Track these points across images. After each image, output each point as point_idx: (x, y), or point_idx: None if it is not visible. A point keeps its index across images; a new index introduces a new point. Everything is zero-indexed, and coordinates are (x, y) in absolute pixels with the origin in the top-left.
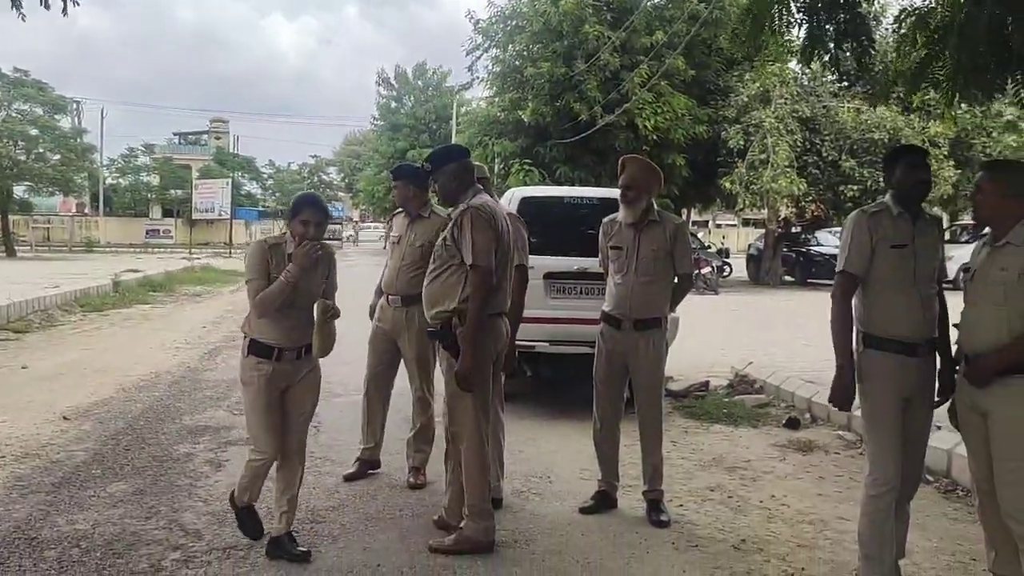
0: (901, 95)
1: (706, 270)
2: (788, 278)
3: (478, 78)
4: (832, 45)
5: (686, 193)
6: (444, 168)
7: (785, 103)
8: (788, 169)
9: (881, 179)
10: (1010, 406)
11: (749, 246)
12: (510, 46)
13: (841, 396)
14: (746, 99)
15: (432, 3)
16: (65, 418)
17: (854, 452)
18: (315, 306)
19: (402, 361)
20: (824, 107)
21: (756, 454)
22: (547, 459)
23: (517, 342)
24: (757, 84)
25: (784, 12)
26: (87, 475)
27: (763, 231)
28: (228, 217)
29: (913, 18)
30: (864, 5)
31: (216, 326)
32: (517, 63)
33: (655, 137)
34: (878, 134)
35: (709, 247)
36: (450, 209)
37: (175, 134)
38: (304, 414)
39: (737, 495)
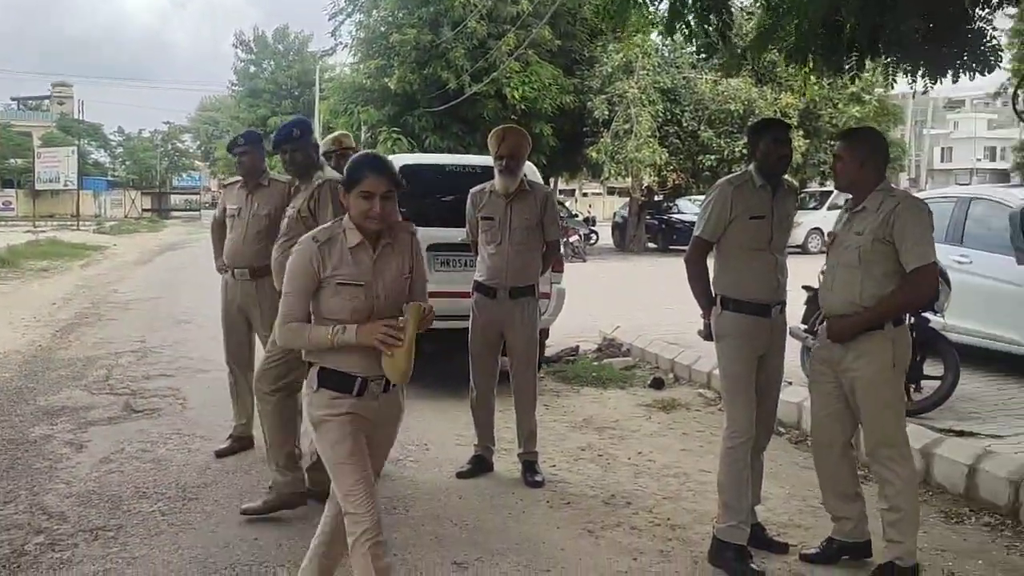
0: (755, 68)
1: (574, 238)
2: (651, 245)
3: (342, 44)
4: (693, 18)
5: (553, 162)
6: (309, 139)
7: (647, 74)
8: (651, 139)
9: (737, 149)
10: (862, 362)
11: (614, 214)
12: (375, 11)
13: (707, 334)
14: (610, 70)
15: None
16: None
17: (713, 409)
18: (404, 310)
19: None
20: (684, 78)
21: (624, 414)
22: (423, 428)
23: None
24: (620, 55)
25: None
26: None
27: (627, 200)
28: (75, 187)
29: None
30: None
31: (67, 303)
32: (382, 29)
33: (523, 107)
34: (734, 105)
35: (576, 216)
36: (287, 177)
37: (14, 99)
38: (381, 461)
39: (607, 453)
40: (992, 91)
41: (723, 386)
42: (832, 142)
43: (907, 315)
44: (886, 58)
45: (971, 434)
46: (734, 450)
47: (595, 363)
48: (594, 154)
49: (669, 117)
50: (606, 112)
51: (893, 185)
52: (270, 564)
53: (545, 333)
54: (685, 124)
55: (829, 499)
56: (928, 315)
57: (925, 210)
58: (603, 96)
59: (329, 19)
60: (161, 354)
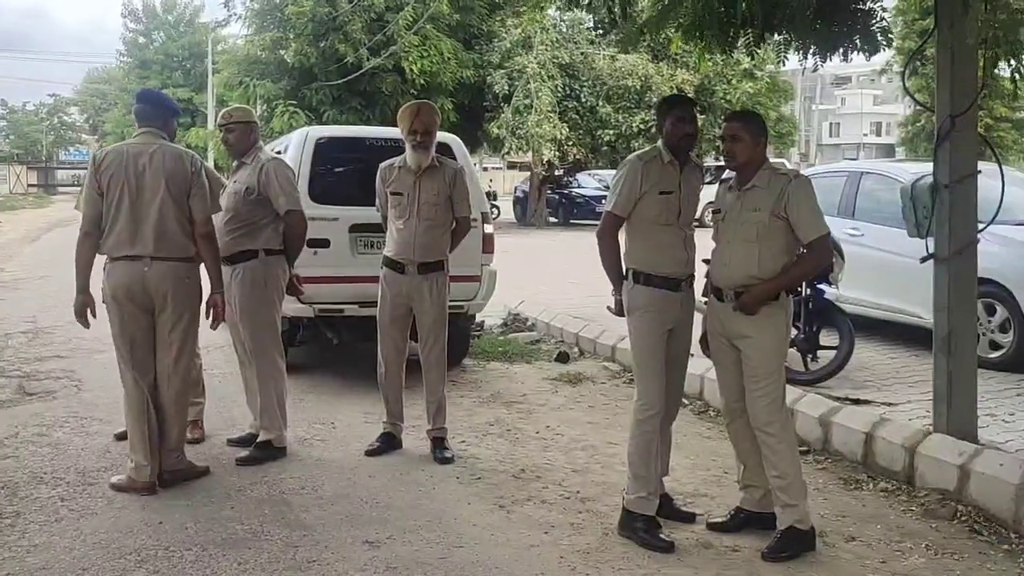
0: (651, 44)
1: None
2: (553, 219)
3: (235, 15)
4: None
5: (456, 135)
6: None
7: (546, 49)
8: (551, 114)
9: (634, 124)
10: (758, 330)
11: (515, 188)
12: None
13: (618, 310)
14: (509, 45)
15: None
16: None
17: (619, 381)
18: None
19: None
20: (582, 54)
21: (531, 388)
22: (329, 406)
23: (319, 305)
24: (519, 30)
25: None
26: None
27: (528, 174)
28: None
29: None
30: None
31: None
32: (277, 1)
33: (423, 81)
34: (631, 81)
35: None
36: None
37: None
38: None
39: (515, 428)
40: (878, 68)
41: (634, 360)
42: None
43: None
44: (780, 36)
45: (866, 402)
46: (644, 422)
47: (500, 338)
48: (495, 129)
49: (568, 92)
50: (506, 87)
51: (782, 161)
52: (176, 548)
53: (472, 319)
54: (584, 100)
55: (742, 469)
56: (823, 286)
57: (811, 186)
58: (503, 71)
59: None
60: (53, 335)
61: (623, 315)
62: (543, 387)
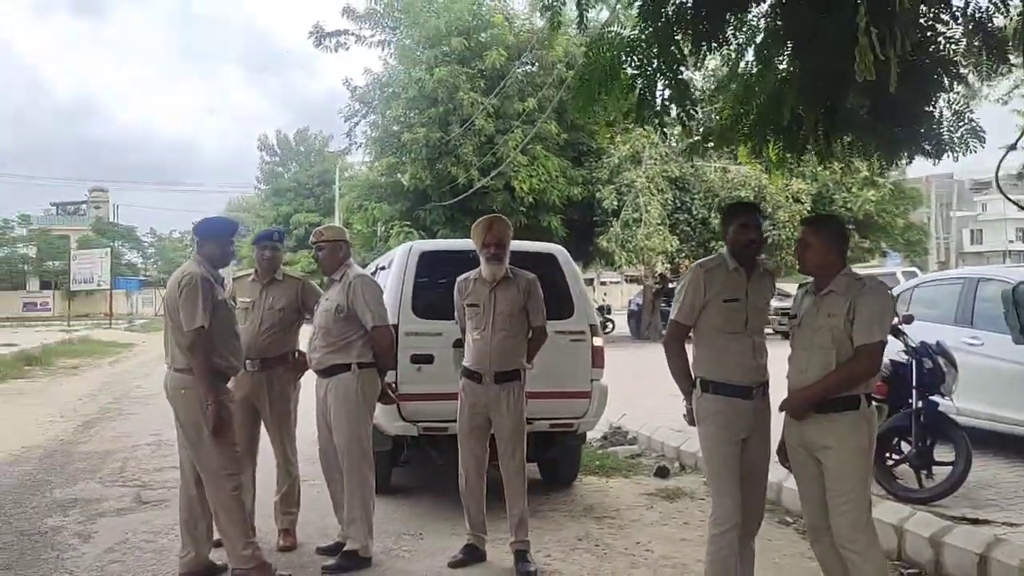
0: (719, 154)
1: None
2: None
3: (356, 143)
4: (659, 108)
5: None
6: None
7: (655, 163)
8: (660, 227)
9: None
10: (839, 440)
11: (629, 302)
12: (388, 112)
13: (690, 419)
14: (618, 160)
15: (312, 71)
16: None
17: None
18: None
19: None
20: (692, 167)
21: (626, 503)
22: (420, 518)
23: (423, 423)
24: (627, 146)
25: (613, 79)
26: None
27: (642, 288)
28: (108, 287)
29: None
30: (685, 73)
31: (92, 398)
32: (394, 128)
33: (531, 199)
34: (744, 191)
35: None
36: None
37: (53, 204)
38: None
39: (604, 543)
40: (1015, 172)
41: (707, 471)
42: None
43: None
44: (841, 139)
45: (985, 522)
46: (719, 536)
47: (599, 451)
48: (604, 243)
49: (679, 205)
50: (615, 202)
51: (896, 270)
52: None
53: (583, 436)
54: (695, 212)
55: None
56: (936, 398)
57: (885, 294)
58: (611, 186)
59: (344, 121)
60: (174, 446)
61: (695, 424)
62: (639, 502)
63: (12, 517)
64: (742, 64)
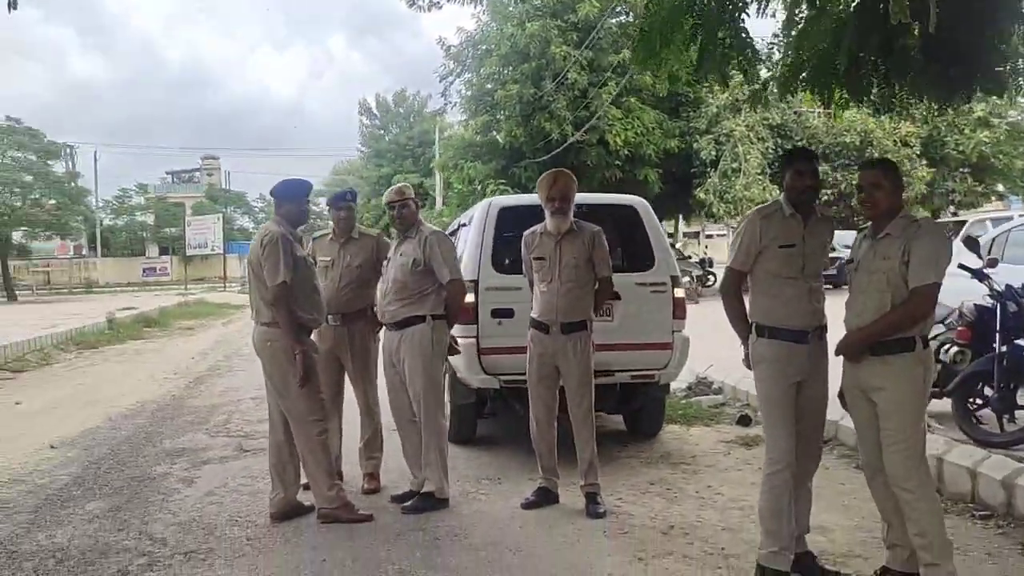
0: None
1: (685, 279)
2: None
3: (451, 103)
4: (720, 60)
5: (661, 205)
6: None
7: (755, 112)
8: (760, 176)
9: (854, 182)
10: (894, 382)
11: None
12: (481, 70)
13: (747, 363)
14: (716, 109)
15: (415, 30)
16: (52, 447)
17: None
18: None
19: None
20: (795, 113)
21: (703, 450)
22: (500, 463)
23: (505, 376)
24: (726, 95)
25: (674, 30)
26: (68, 496)
27: None
28: (221, 252)
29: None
30: (746, 21)
31: (204, 357)
32: (488, 86)
33: (627, 152)
34: (849, 137)
35: (690, 257)
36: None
37: (168, 173)
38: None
39: (676, 487)
40: None
41: (762, 413)
42: (957, 170)
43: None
44: (898, 82)
45: None
46: (772, 476)
47: (683, 401)
48: (702, 195)
49: (780, 153)
50: (713, 152)
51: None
52: None
53: (667, 388)
54: None
55: (886, 528)
56: (1021, 342)
57: (940, 236)
58: (709, 136)
59: (440, 81)
60: None
61: (752, 368)
62: (716, 449)
63: (125, 464)
64: (798, 10)
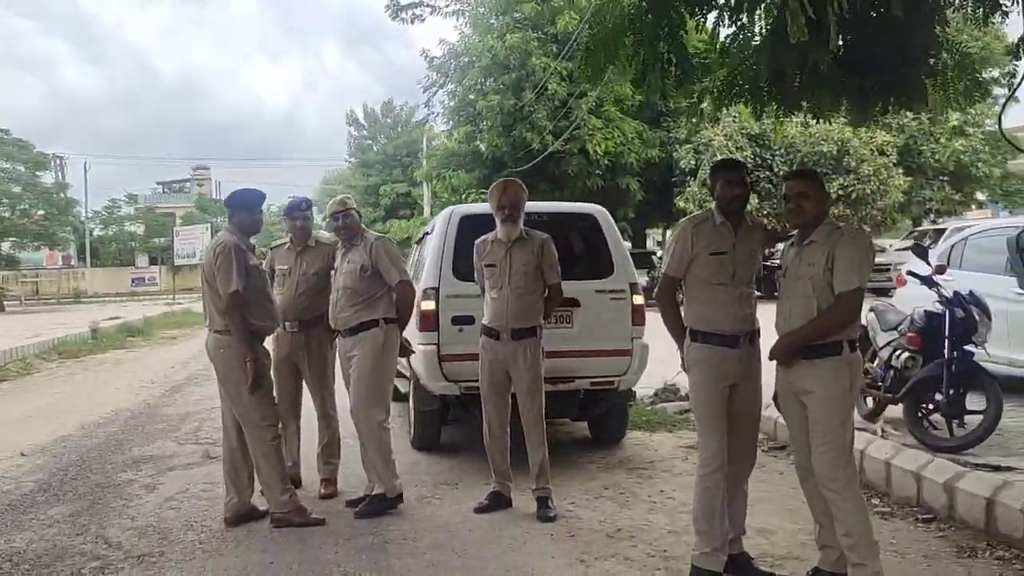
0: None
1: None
2: (756, 292)
3: (434, 113)
4: (660, 75)
5: (644, 214)
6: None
7: (733, 121)
8: None
9: (832, 190)
10: (821, 384)
11: None
12: (463, 81)
13: (683, 366)
14: (695, 120)
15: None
16: (23, 454)
17: (759, 452)
18: None
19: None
20: (772, 122)
21: (662, 455)
22: (459, 469)
23: (465, 383)
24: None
25: (617, 49)
26: (31, 502)
27: None
28: None
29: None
30: (684, 36)
31: (184, 366)
32: (470, 97)
33: (607, 161)
34: (827, 146)
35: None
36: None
37: (158, 183)
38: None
39: (629, 491)
40: None
41: (695, 415)
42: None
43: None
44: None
45: (1008, 468)
46: (705, 478)
47: (648, 407)
48: (682, 203)
49: (759, 162)
50: (693, 162)
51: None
52: None
53: (629, 394)
54: (776, 168)
55: (818, 528)
56: (969, 348)
57: (863, 241)
58: (689, 146)
59: (423, 91)
60: None
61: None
62: (675, 455)
63: (92, 471)
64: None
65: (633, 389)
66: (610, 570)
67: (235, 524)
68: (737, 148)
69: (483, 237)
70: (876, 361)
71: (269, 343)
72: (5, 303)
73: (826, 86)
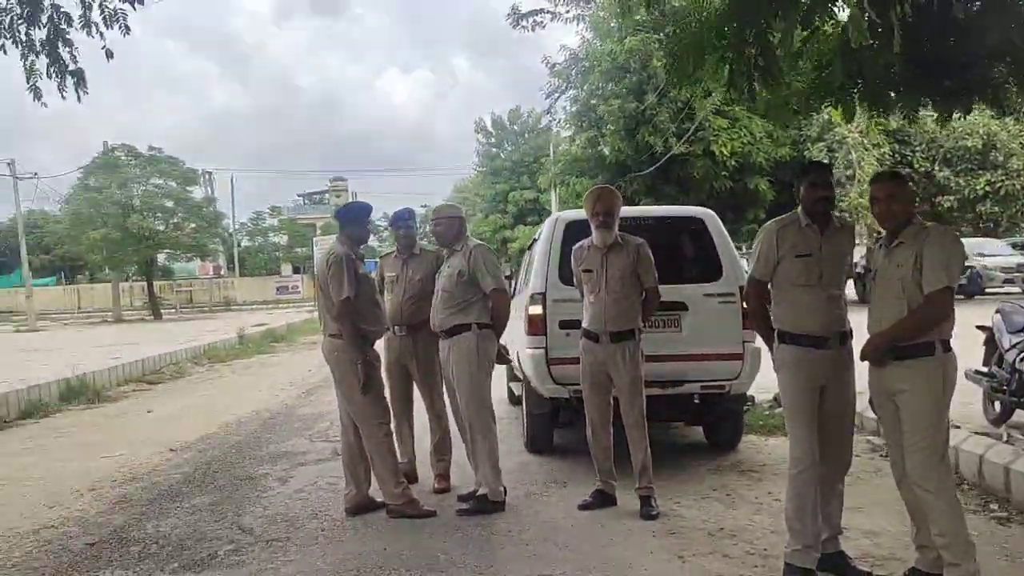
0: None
1: None
2: None
3: (556, 119)
4: (747, 77)
5: (774, 215)
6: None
7: (870, 117)
8: None
9: (979, 187)
10: (913, 385)
11: (855, 264)
12: (584, 86)
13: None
14: (827, 116)
15: (539, 46)
16: (172, 450)
17: (876, 456)
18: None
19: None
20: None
21: (774, 459)
22: (569, 470)
23: (573, 386)
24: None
25: (704, 54)
26: (177, 492)
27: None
28: None
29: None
30: (772, 40)
31: (320, 370)
32: (592, 102)
33: (734, 162)
34: (971, 141)
35: None
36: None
37: (299, 195)
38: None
39: (736, 493)
40: None
41: (785, 415)
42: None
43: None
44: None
45: None
46: (796, 476)
47: (766, 412)
48: None
49: (898, 159)
50: (826, 159)
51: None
52: (387, 567)
53: (744, 399)
54: (917, 165)
55: (915, 530)
56: None
57: (950, 239)
58: (821, 144)
59: (545, 98)
60: None
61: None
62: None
63: (232, 465)
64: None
65: (750, 394)
66: (707, 566)
67: (354, 514)
68: (873, 145)
69: (580, 243)
70: (1002, 364)
71: (379, 346)
72: (162, 311)
73: (908, 86)
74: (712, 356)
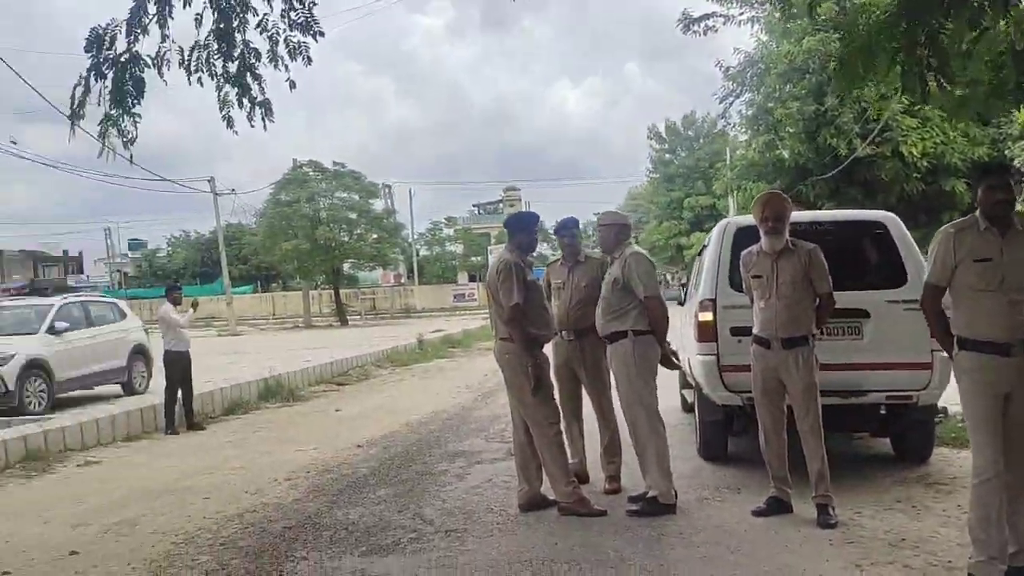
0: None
1: None
2: None
3: (731, 124)
4: (920, 78)
5: None
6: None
7: None
8: None
9: None
10: None
11: None
12: (760, 89)
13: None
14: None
15: (708, 49)
16: (359, 446)
17: None
18: None
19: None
20: None
21: (966, 472)
22: (744, 476)
23: (747, 394)
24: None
25: (875, 55)
26: (364, 484)
27: None
28: None
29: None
30: (945, 40)
31: (495, 374)
32: (768, 105)
33: (926, 164)
34: None
35: None
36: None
37: (474, 205)
38: None
39: (923, 505)
40: None
41: (967, 423)
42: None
43: None
44: None
45: None
46: (979, 486)
47: (959, 424)
48: (1020, 206)
49: None
50: None
51: None
52: (558, 561)
53: (935, 410)
54: None
55: None
56: None
57: None
58: (1023, 142)
59: (719, 102)
60: None
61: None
62: None
63: (413, 461)
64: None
65: (943, 405)
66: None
67: (527, 510)
68: None
69: (748, 249)
70: None
71: (548, 349)
72: (348, 318)
73: None
74: (897, 365)
